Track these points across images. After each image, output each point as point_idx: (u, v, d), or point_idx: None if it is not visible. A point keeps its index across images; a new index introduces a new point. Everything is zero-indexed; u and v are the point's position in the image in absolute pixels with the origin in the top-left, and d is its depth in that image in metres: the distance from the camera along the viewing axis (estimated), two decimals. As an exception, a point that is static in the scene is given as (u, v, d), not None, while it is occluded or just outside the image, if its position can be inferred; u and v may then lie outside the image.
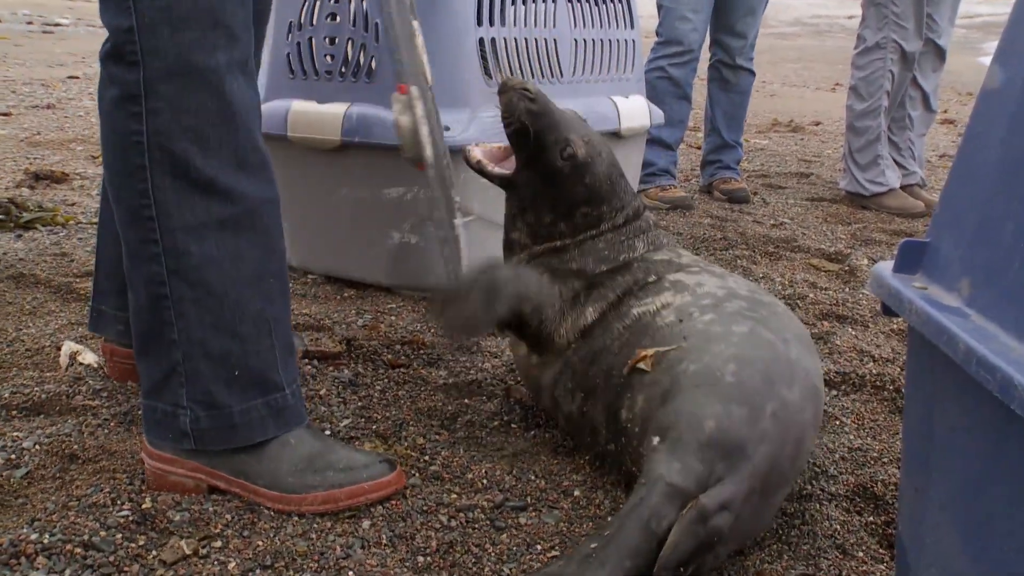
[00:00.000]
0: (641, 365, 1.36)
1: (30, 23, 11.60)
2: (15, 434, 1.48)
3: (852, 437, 1.72)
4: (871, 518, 1.45)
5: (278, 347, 1.34)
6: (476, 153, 1.61)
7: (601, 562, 1.11)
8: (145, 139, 1.21)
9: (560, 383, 1.51)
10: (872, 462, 1.62)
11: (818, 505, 1.45)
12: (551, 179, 1.58)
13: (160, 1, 1.17)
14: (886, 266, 1.09)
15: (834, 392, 1.93)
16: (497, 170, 1.61)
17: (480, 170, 1.61)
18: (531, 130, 1.55)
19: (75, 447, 1.45)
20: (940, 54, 3.93)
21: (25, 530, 1.21)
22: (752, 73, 3.93)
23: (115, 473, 1.40)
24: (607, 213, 1.60)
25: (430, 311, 1.48)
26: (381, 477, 1.37)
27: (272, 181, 1.35)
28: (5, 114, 5.04)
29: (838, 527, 1.40)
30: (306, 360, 1.88)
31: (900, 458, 1.63)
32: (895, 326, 2.36)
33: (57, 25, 12.66)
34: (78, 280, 2.33)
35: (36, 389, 1.65)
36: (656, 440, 1.25)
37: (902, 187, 3.91)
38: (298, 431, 1.38)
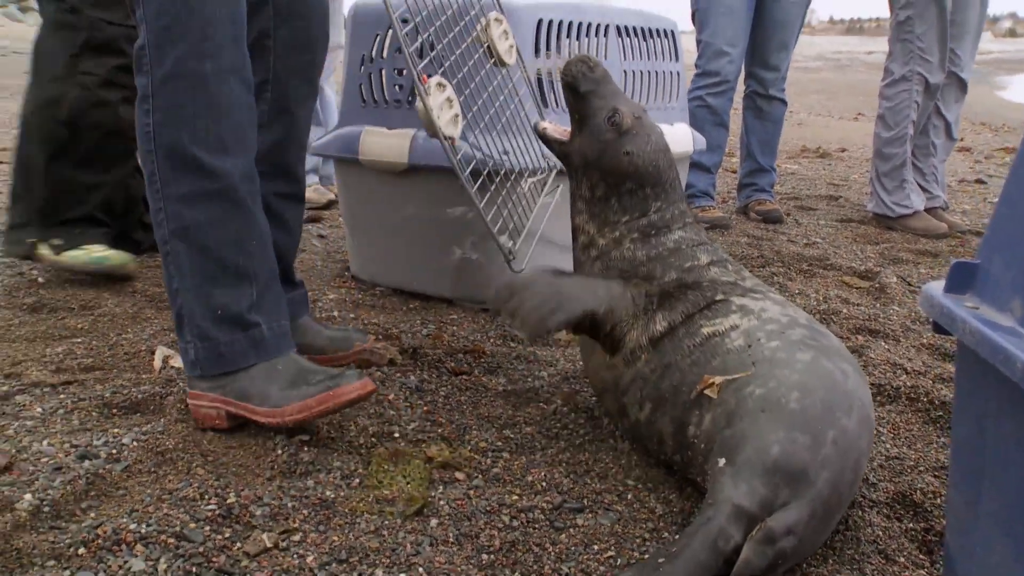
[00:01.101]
0: (708, 392, 1.31)
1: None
2: (115, 430, 1.48)
3: (889, 446, 1.65)
4: (911, 524, 1.38)
5: (257, 294, 1.49)
6: (543, 124, 1.67)
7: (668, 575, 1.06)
8: (152, 130, 1.41)
9: (630, 391, 1.46)
10: (909, 470, 1.55)
11: (860, 512, 1.39)
12: (599, 146, 1.55)
13: (161, 22, 1.36)
14: (936, 286, 1.03)
15: (870, 403, 1.85)
16: (556, 135, 1.64)
17: (543, 135, 1.65)
18: (580, 88, 1.57)
19: (167, 444, 1.44)
20: (962, 86, 3.82)
21: (125, 520, 1.20)
22: (784, 103, 3.86)
23: (202, 469, 1.38)
24: (652, 196, 1.55)
25: (493, 302, 1.48)
26: (347, 384, 1.44)
27: (252, 169, 1.49)
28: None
29: (880, 533, 1.34)
30: (375, 367, 1.86)
31: (936, 467, 1.56)
32: (925, 340, 2.27)
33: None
34: (170, 290, 2.34)
35: (133, 390, 1.65)
36: (722, 462, 1.20)
37: (926, 210, 3.81)
38: (287, 358, 1.51)
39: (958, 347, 1.03)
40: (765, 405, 1.23)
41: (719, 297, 1.45)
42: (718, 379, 1.32)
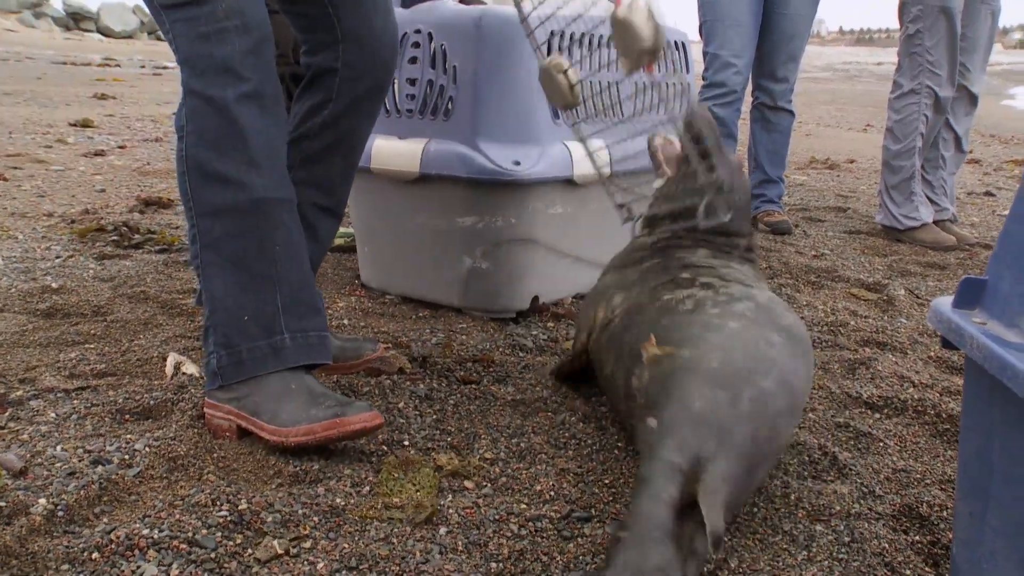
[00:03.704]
0: (643, 351, 1.43)
1: (143, 67, 11.94)
2: (128, 436, 1.49)
3: (896, 459, 1.65)
4: (917, 537, 1.38)
5: (282, 301, 1.54)
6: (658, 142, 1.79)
7: (635, 541, 1.12)
8: (184, 153, 1.50)
9: (604, 349, 1.62)
10: (916, 483, 1.55)
11: (867, 524, 1.39)
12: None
13: (184, 57, 1.49)
14: (945, 301, 1.04)
15: (877, 415, 1.85)
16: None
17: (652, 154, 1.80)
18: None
19: (179, 450, 1.45)
20: (972, 100, 3.82)
21: (137, 525, 1.21)
22: (792, 114, 3.86)
23: (213, 476, 1.40)
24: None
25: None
26: (355, 414, 1.46)
27: (284, 183, 1.55)
28: (121, 147, 5.18)
29: (886, 545, 1.34)
30: (385, 375, 1.87)
31: (943, 480, 1.56)
32: (933, 353, 2.27)
33: (165, 68, 13.01)
34: (181, 296, 2.35)
35: (146, 396, 1.66)
36: (653, 422, 1.29)
37: (935, 222, 3.81)
38: (302, 379, 1.53)
39: (966, 363, 1.03)
40: (690, 365, 1.34)
41: (685, 275, 1.60)
42: (652, 348, 1.42)
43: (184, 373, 1.79)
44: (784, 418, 1.37)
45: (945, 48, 3.57)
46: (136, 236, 2.98)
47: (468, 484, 1.43)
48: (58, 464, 1.38)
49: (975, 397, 1.01)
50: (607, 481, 1.47)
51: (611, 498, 1.41)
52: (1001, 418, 0.94)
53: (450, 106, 2.24)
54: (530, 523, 1.32)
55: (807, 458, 1.60)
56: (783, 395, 1.35)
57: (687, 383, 1.32)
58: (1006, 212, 4.74)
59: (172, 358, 1.84)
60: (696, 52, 3.05)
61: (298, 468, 1.43)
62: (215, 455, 1.46)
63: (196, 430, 1.53)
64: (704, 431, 1.24)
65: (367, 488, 1.39)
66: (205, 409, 1.56)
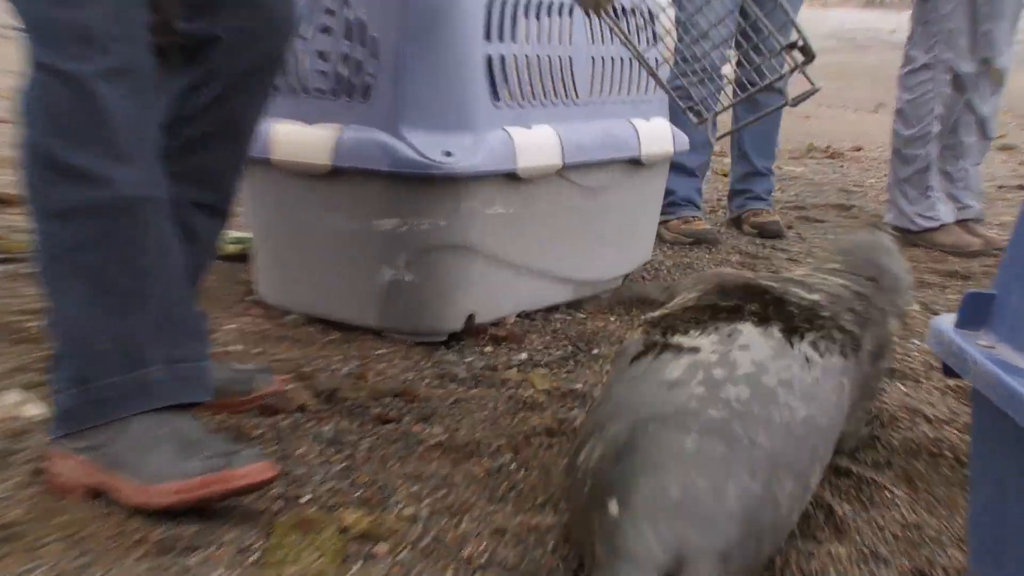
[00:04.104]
0: None
1: (-12, 29, 11.70)
2: (-54, 498, 1.46)
3: (906, 512, 1.67)
4: (929, 609, 1.41)
5: (151, 324, 1.52)
6: None
7: None
8: (29, 141, 1.47)
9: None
10: (930, 542, 1.57)
11: (869, 592, 1.41)
12: None
13: (31, 23, 1.46)
14: (947, 320, 1.06)
15: (884, 458, 1.88)
16: None
17: None
18: None
19: (12, 514, 1.42)
20: (999, 76, 3.90)
21: (-48, 616, 1.18)
22: (783, 93, 3.91)
23: (57, 546, 1.36)
24: None
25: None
26: (241, 466, 1.44)
27: (155, 179, 1.53)
28: (-44, 130, 5.05)
29: (892, 619, 1.36)
30: (281, 414, 1.85)
31: (963, 538, 1.59)
32: (952, 382, 2.31)
33: (15, 28, 12.69)
34: (27, 318, 2.30)
35: (-27, 446, 1.62)
36: (615, 508, 1.22)
37: (957, 222, 3.85)
38: (174, 422, 1.51)
39: (973, 394, 1.05)
40: (661, 443, 1.28)
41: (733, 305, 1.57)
42: None
43: (25, 416, 1.76)
44: (768, 538, 1.31)
45: (964, 15, 3.64)
46: (-30, 243, 2.91)
47: (381, 548, 1.42)
48: None
49: (984, 435, 1.03)
50: (553, 545, 1.46)
51: (557, 564, 1.41)
52: (1013, 459, 0.96)
53: (369, 85, 2.23)
54: (456, 597, 1.31)
55: (797, 511, 1.62)
56: (771, 509, 1.30)
57: (657, 462, 1.26)
58: (1016, 220, 4.85)
59: (11, 396, 1.81)
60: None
61: (167, 534, 1.41)
62: (60, 520, 1.42)
63: (37, 488, 1.50)
64: (683, 523, 1.19)
65: (255, 556, 1.38)
66: (46, 463, 1.52)
